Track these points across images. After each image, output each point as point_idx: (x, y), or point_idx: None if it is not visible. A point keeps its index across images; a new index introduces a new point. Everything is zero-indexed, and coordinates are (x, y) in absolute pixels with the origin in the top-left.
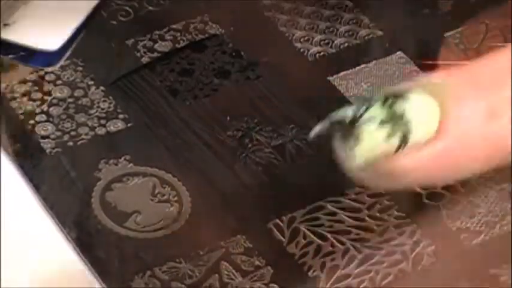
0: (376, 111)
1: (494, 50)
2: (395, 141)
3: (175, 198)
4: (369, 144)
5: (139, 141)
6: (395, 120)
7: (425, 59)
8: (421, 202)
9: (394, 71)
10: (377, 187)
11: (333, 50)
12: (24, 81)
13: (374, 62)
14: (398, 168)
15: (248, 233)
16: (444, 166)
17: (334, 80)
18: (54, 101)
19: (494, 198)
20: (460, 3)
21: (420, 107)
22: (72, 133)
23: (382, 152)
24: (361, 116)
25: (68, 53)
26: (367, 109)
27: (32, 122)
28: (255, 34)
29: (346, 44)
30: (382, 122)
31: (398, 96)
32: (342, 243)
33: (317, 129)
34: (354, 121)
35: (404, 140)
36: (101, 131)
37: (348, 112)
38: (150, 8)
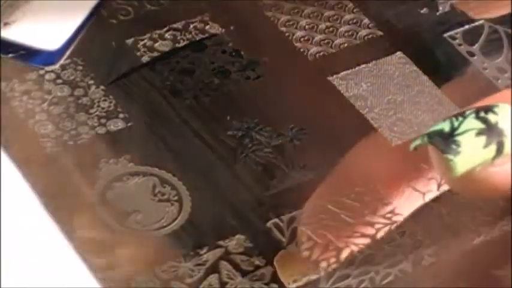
0: (471, 123)
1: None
2: (492, 150)
3: (176, 198)
4: (468, 153)
5: (140, 141)
6: (490, 129)
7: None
8: (421, 202)
9: (394, 71)
10: (475, 196)
11: (333, 50)
12: (24, 80)
13: (374, 62)
14: (497, 176)
15: (248, 232)
16: None
17: (334, 80)
18: (54, 100)
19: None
20: (460, 3)
21: (510, 117)
22: (72, 132)
23: (480, 161)
24: (457, 127)
25: (68, 52)
26: (462, 122)
27: (31, 121)
28: (255, 34)
29: (346, 44)
30: (479, 133)
31: (488, 109)
32: (342, 243)
33: (416, 142)
34: (452, 132)
35: (501, 148)
36: (101, 130)
37: (444, 125)
38: (150, 7)
